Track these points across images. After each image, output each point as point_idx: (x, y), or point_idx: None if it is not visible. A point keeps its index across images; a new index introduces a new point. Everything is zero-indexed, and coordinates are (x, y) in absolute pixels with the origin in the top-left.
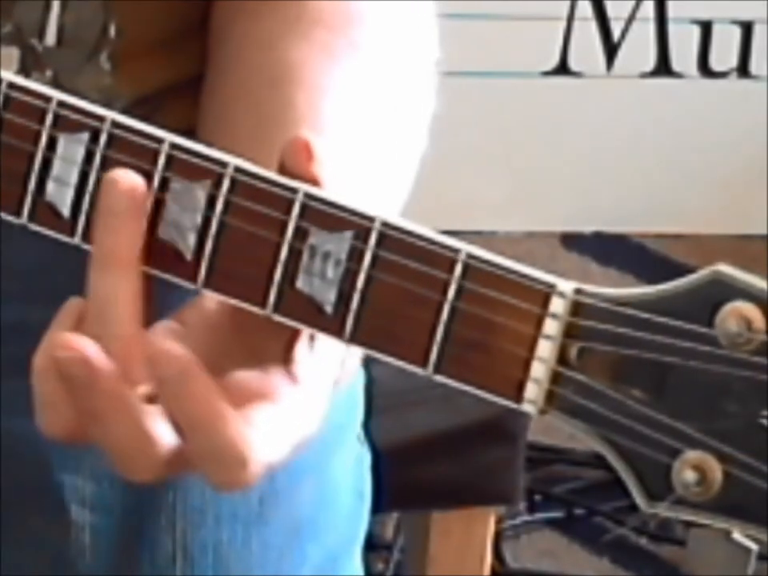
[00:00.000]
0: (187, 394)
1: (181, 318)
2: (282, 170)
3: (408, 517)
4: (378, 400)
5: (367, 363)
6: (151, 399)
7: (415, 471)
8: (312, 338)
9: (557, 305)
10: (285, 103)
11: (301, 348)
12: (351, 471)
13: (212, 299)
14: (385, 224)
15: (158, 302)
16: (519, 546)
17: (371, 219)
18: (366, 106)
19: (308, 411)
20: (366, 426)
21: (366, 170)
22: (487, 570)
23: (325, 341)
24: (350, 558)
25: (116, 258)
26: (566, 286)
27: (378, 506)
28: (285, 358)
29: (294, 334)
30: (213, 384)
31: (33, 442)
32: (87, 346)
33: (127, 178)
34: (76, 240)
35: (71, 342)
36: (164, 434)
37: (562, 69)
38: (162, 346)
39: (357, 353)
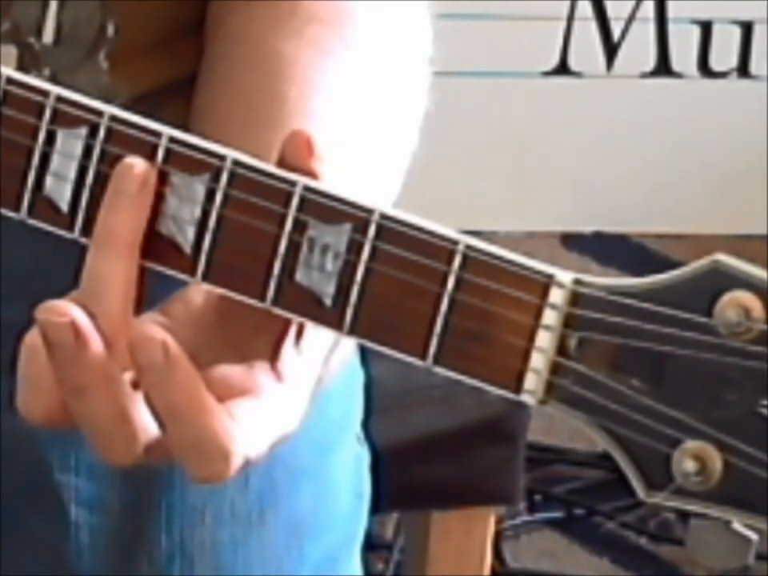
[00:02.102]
0: (169, 382)
1: (166, 311)
2: (282, 163)
3: (408, 517)
4: (378, 400)
5: (367, 363)
6: (135, 386)
7: (415, 471)
8: (299, 336)
9: (556, 295)
10: (276, 98)
11: (287, 346)
12: (350, 471)
13: (198, 292)
14: (384, 216)
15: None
16: (519, 546)
17: (370, 211)
18: (357, 103)
19: (289, 409)
20: (366, 426)
21: (356, 166)
22: (487, 570)
23: (309, 339)
24: (350, 558)
25: (117, 238)
26: (565, 276)
27: (378, 506)
28: (271, 355)
29: (282, 331)
30: (196, 374)
31: (33, 442)
32: (76, 313)
33: (142, 164)
34: (75, 234)
35: (60, 308)
36: (145, 419)
37: (562, 69)
38: (145, 332)
39: (341, 352)
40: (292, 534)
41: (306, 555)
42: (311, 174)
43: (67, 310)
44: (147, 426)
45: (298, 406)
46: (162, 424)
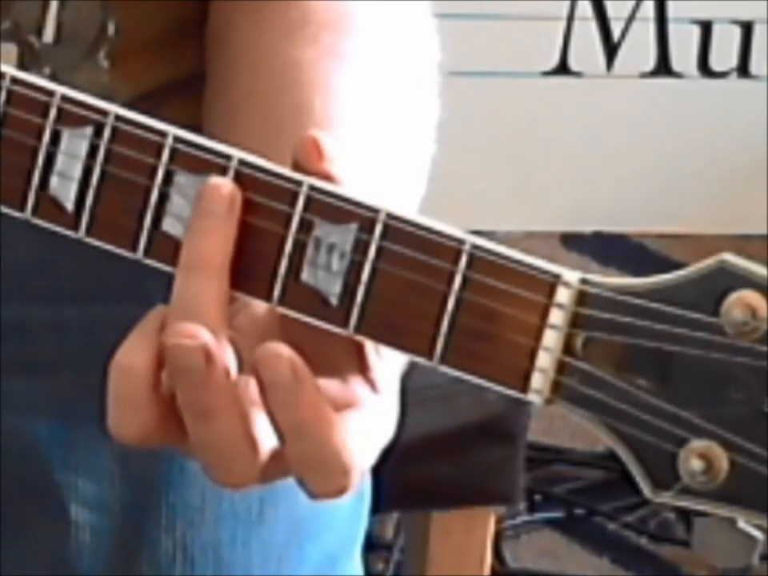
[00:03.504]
0: (297, 398)
1: (232, 324)
2: (296, 167)
3: (408, 517)
4: None
5: None
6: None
7: (415, 471)
8: None
9: (562, 294)
10: (301, 108)
11: (372, 354)
12: None
13: (260, 304)
14: (390, 215)
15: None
16: (519, 546)
17: (376, 211)
18: (378, 109)
19: (387, 417)
20: None
21: (384, 175)
22: (487, 570)
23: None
24: (350, 557)
25: (209, 261)
26: (572, 275)
27: (378, 505)
28: (359, 366)
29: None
30: (320, 390)
31: (33, 442)
32: (206, 335)
33: (228, 185)
34: (79, 234)
35: (190, 330)
36: (266, 438)
37: (562, 69)
38: (272, 350)
39: None
40: (292, 534)
41: (306, 555)
42: (326, 176)
43: (198, 333)
44: (269, 445)
45: (393, 413)
46: (284, 440)
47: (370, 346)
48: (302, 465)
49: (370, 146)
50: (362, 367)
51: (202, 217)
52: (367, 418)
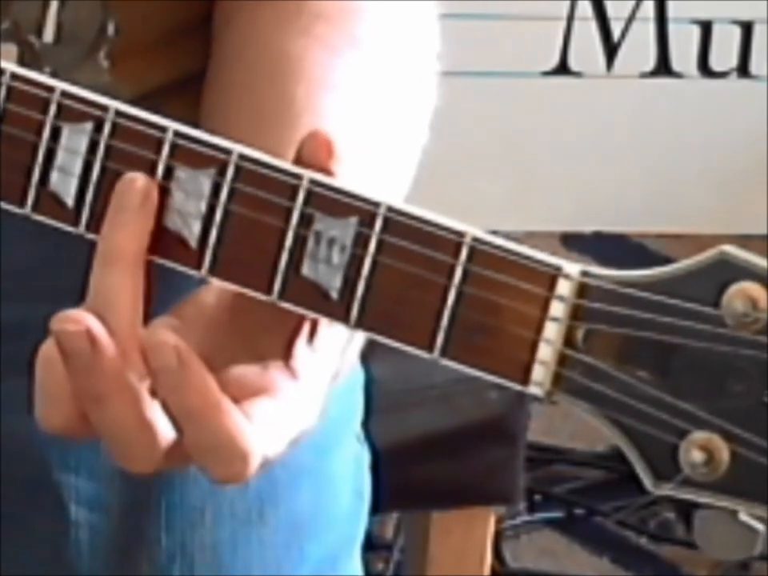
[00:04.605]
0: (183, 384)
1: (179, 314)
2: (298, 161)
3: (408, 517)
4: (377, 400)
5: (367, 363)
6: (153, 394)
7: (415, 471)
8: (312, 333)
9: (563, 287)
10: (284, 98)
11: (300, 343)
12: (350, 471)
13: (210, 294)
14: (390, 209)
15: (155, 299)
16: (519, 546)
17: (376, 204)
18: (366, 99)
19: (306, 405)
20: (366, 425)
21: (365, 162)
22: (487, 570)
23: (323, 334)
24: (350, 557)
25: (123, 254)
26: (573, 268)
27: (378, 505)
28: (284, 353)
29: (295, 330)
30: (209, 375)
31: (33, 442)
32: (91, 321)
33: (142, 179)
34: (80, 230)
35: (74, 316)
36: (163, 425)
37: (562, 69)
38: (158, 337)
39: (356, 345)
40: (292, 534)
41: (306, 554)
42: (328, 174)
43: (82, 318)
44: (166, 431)
45: (314, 402)
46: (178, 428)
47: (301, 336)
48: (197, 451)
49: (351, 134)
50: (285, 354)
51: (116, 210)
52: (279, 405)
